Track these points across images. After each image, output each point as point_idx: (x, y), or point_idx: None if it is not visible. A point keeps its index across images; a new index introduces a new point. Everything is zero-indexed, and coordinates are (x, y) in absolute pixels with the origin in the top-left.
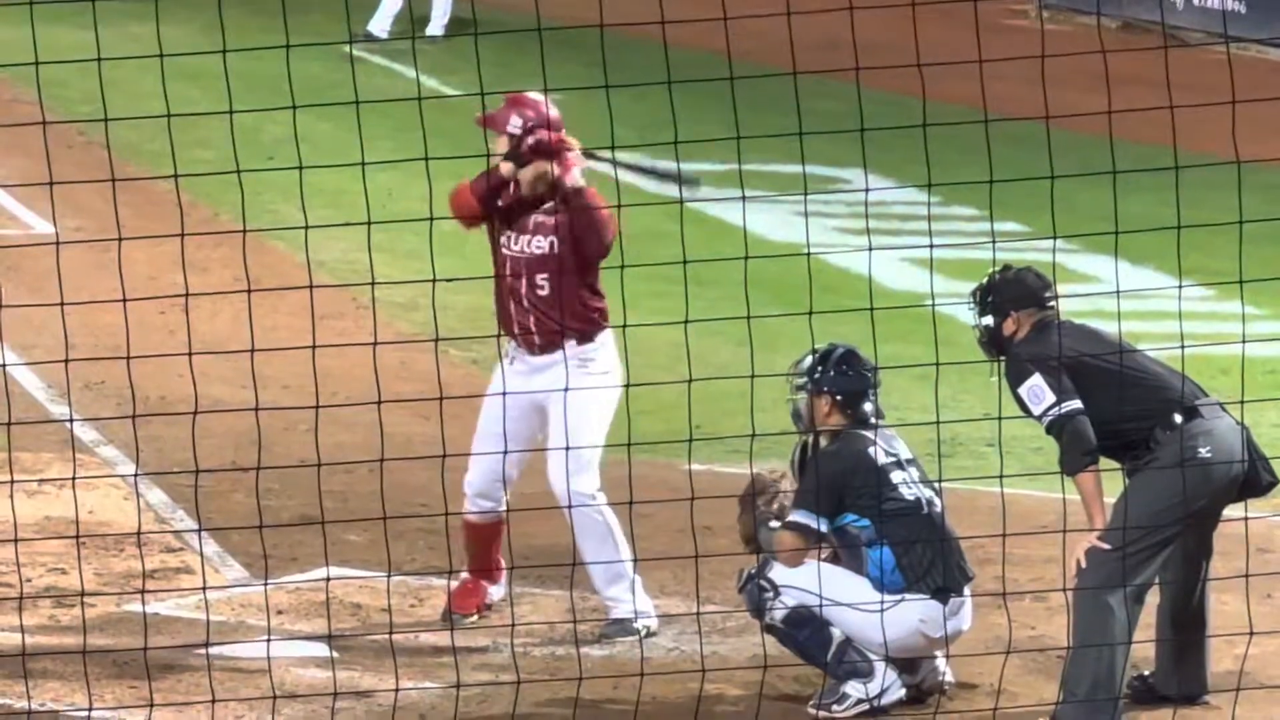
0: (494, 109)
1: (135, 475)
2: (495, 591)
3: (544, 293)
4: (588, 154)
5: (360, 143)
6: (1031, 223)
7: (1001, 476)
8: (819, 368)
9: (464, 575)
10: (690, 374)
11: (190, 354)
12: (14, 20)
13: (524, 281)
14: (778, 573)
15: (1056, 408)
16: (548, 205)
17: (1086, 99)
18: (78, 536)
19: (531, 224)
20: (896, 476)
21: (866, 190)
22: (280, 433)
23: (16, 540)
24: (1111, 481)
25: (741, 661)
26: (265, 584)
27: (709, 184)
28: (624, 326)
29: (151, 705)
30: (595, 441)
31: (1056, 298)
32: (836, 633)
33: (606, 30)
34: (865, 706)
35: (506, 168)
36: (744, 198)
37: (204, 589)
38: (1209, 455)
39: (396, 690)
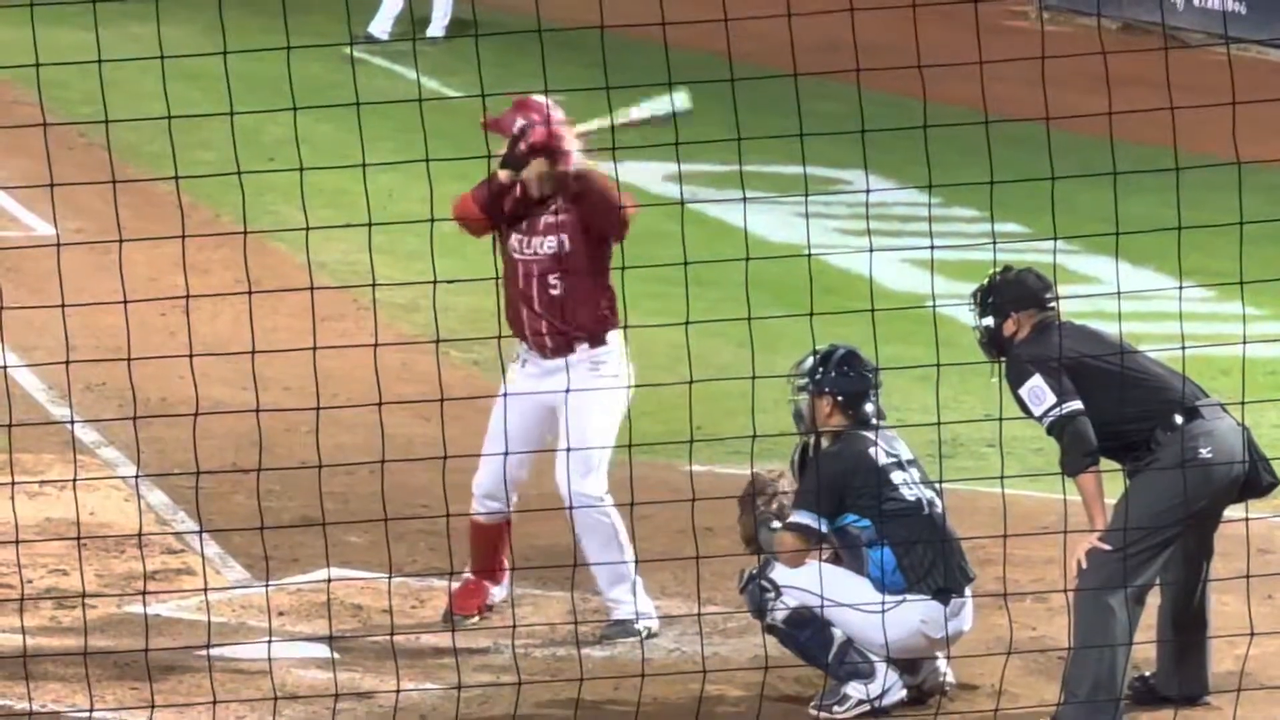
0: (500, 112)
1: (136, 477)
2: (497, 592)
3: (556, 293)
4: (583, 135)
5: (361, 144)
6: (1032, 224)
7: (1002, 477)
8: (820, 369)
9: (465, 576)
10: (691, 375)
11: (191, 355)
12: (15, 21)
13: (535, 284)
14: (779, 573)
15: (1057, 409)
16: (554, 205)
17: (1087, 100)
18: (79, 538)
19: (541, 224)
20: (897, 477)
21: (867, 191)
22: (281, 434)
23: (18, 542)
24: (1112, 482)
25: (743, 662)
26: (266, 585)
27: (709, 185)
28: (625, 327)
29: (153, 706)
30: (604, 444)
31: (1057, 299)
32: (838, 633)
33: (607, 31)
34: (866, 707)
35: (505, 174)
36: (745, 199)
37: (205, 590)
38: (1210, 456)
39: (398, 691)
